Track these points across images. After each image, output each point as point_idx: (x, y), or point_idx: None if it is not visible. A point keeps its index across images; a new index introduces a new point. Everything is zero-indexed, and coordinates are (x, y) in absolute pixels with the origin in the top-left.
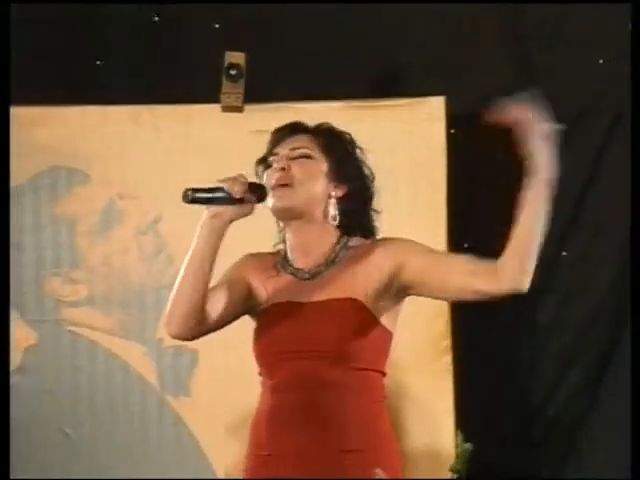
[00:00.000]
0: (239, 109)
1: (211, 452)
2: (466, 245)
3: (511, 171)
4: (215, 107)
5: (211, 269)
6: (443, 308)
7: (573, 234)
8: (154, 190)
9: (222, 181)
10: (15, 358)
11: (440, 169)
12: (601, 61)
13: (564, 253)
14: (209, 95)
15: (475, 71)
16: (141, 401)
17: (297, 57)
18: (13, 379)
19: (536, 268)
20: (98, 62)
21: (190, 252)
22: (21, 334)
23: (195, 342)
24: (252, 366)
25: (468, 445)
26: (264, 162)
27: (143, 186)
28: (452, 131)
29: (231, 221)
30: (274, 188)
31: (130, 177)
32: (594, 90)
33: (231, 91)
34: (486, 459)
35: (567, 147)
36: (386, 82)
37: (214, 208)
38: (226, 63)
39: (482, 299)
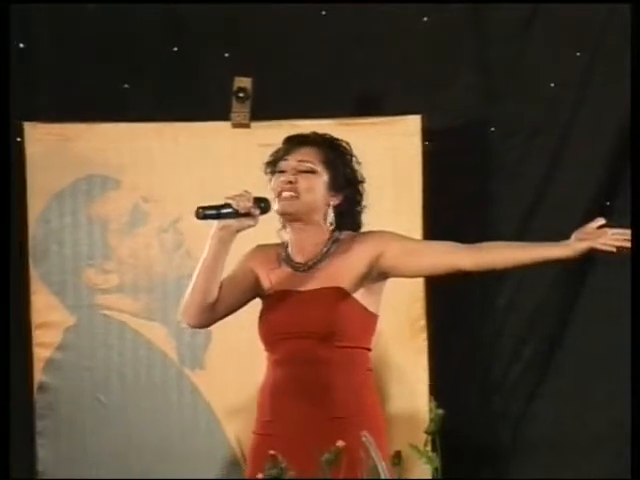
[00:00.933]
0: (246, 125)
1: (222, 417)
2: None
3: (474, 176)
4: (226, 124)
5: (220, 272)
6: (420, 295)
7: (528, 234)
8: (174, 194)
9: (230, 198)
10: (57, 338)
11: (417, 176)
12: (552, 84)
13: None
14: (221, 114)
15: (445, 91)
16: (163, 373)
17: (294, 81)
18: (55, 355)
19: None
20: (126, 85)
21: (202, 257)
22: (61, 317)
23: None
24: (259, 343)
25: (440, 411)
26: (274, 165)
27: (165, 191)
28: (426, 143)
29: (238, 232)
30: (283, 196)
31: (154, 183)
32: (545, 110)
33: (239, 110)
34: (454, 424)
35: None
36: (371, 103)
37: (223, 222)
38: (235, 87)
39: (454, 273)
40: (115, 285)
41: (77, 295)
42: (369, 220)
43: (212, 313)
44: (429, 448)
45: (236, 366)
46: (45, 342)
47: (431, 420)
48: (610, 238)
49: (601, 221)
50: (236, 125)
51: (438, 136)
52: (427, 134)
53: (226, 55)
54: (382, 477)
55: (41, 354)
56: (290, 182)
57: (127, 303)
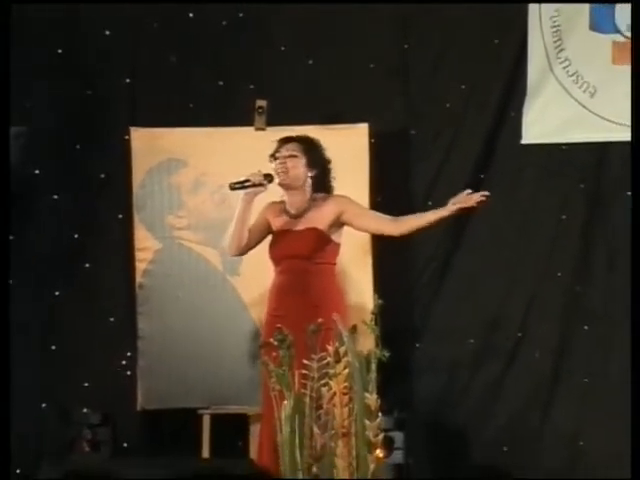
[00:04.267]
0: (263, 129)
1: (249, 305)
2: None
3: (401, 164)
4: (251, 129)
5: (248, 222)
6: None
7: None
8: (220, 171)
9: (248, 175)
10: (149, 256)
11: (365, 162)
12: (463, 87)
13: None
14: (248, 122)
15: (384, 103)
16: (214, 278)
17: (290, 103)
18: (148, 267)
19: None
20: (191, 105)
21: (236, 214)
22: (152, 244)
23: None
24: (269, 262)
25: (380, 301)
26: (273, 156)
27: (215, 169)
28: (372, 141)
29: (255, 195)
30: (279, 173)
31: (208, 164)
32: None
33: (259, 120)
34: (388, 308)
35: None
36: (336, 115)
37: (246, 190)
38: (256, 105)
39: (382, 235)
40: (185, 225)
41: (162, 231)
42: (337, 190)
43: (245, 247)
44: (373, 323)
45: (257, 273)
46: (142, 258)
47: (374, 307)
48: (471, 199)
49: (468, 190)
50: (257, 129)
51: (378, 137)
52: (372, 135)
53: (251, 87)
54: (345, 341)
55: (140, 266)
56: (282, 164)
57: (192, 236)
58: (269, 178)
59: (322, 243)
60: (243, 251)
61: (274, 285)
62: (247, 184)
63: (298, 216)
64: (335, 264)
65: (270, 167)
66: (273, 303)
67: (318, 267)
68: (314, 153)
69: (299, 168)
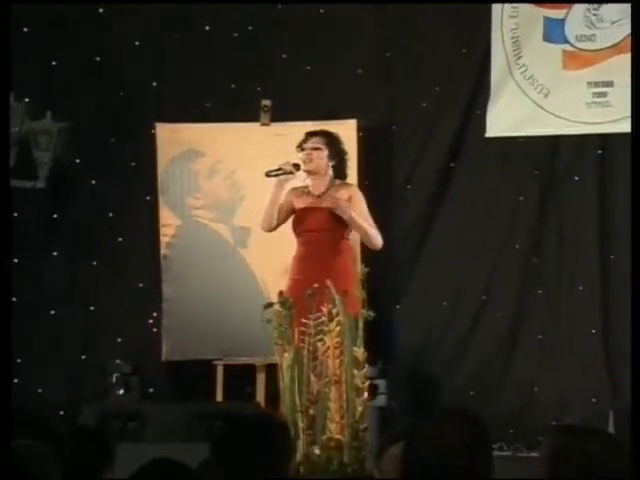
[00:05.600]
0: (268, 125)
1: (256, 272)
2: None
3: (384, 155)
4: (257, 124)
5: (278, 203)
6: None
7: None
8: (232, 159)
9: (281, 164)
10: (172, 231)
11: (353, 155)
12: (437, 89)
13: None
14: (255, 119)
15: (370, 103)
16: (225, 250)
17: (291, 103)
18: (171, 240)
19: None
20: (207, 104)
21: (269, 196)
22: (174, 221)
23: (248, 220)
24: (275, 238)
25: (367, 269)
26: (300, 147)
27: (227, 158)
28: (360, 134)
29: (287, 181)
30: (305, 162)
31: (222, 154)
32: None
33: (264, 117)
34: (379, 280)
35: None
36: (329, 112)
37: (279, 177)
38: (262, 104)
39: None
40: (201, 205)
41: (182, 210)
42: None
43: (275, 224)
44: (361, 288)
45: (262, 246)
46: (166, 233)
47: (362, 274)
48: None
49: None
50: (262, 124)
51: (365, 131)
52: (359, 130)
53: (258, 89)
54: (337, 304)
55: (164, 240)
56: (308, 155)
57: (207, 214)
58: (297, 167)
59: (337, 220)
60: (274, 228)
61: (296, 254)
62: (280, 172)
63: (319, 197)
64: (348, 239)
65: (297, 156)
66: (294, 269)
67: (333, 240)
68: (335, 146)
69: (322, 159)
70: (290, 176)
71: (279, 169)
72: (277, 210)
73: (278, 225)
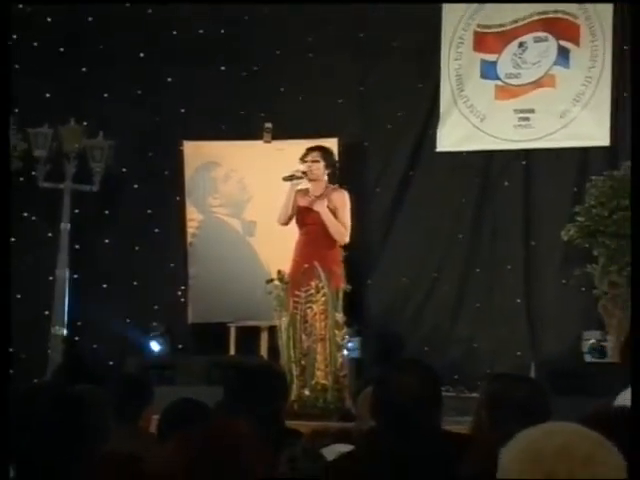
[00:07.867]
0: (269, 142)
1: (261, 256)
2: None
3: (357, 166)
4: (261, 142)
5: (290, 202)
6: None
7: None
8: (241, 168)
9: (293, 172)
10: (196, 224)
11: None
12: (399, 114)
13: None
14: (259, 138)
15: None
16: (236, 239)
17: (288, 125)
18: (196, 231)
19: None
20: (223, 127)
21: (285, 197)
22: (197, 216)
23: (254, 215)
24: (278, 229)
25: (345, 253)
26: (302, 159)
27: (239, 167)
28: (340, 149)
29: (298, 185)
30: (307, 172)
31: (235, 165)
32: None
33: (267, 136)
34: (355, 261)
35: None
36: (317, 131)
37: (292, 182)
38: (265, 126)
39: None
40: (219, 204)
41: (203, 207)
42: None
43: (287, 218)
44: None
45: (266, 235)
46: (192, 225)
47: (341, 257)
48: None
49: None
50: (265, 142)
51: (344, 146)
52: (340, 145)
53: (262, 115)
54: (323, 279)
55: (190, 230)
56: (309, 166)
57: (223, 211)
58: (305, 174)
59: (331, 217)
60: (288, 222)
61: (297, 242)
62: (293, 178)
63: (317, 197)
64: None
65: (299, 167)
66: (296, 252)
67: (324, 231)
68: (330, 159)
69: (320, 169)
70: (300, 181)
71: (292, 175)
72: (290, 207)
73: (290, 219)
